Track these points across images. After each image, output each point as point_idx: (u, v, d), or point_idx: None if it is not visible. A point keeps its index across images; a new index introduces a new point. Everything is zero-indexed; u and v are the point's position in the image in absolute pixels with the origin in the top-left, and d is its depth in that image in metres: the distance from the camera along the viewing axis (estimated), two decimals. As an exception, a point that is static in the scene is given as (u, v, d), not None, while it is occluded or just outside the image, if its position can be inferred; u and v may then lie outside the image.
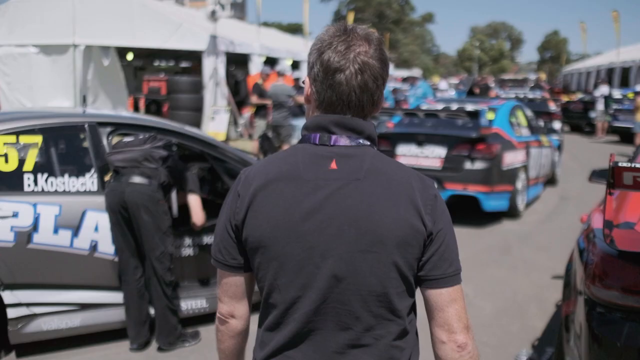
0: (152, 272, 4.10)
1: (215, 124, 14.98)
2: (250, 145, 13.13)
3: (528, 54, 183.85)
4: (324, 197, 1.42)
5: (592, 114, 21.21)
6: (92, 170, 4.20)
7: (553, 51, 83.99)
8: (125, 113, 5.48)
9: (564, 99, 23.61)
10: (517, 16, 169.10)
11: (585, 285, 2.86)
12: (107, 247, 4.16)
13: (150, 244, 4.06)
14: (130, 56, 19.07)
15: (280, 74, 11.96)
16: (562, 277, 6.28)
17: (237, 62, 18.49)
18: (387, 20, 73.33)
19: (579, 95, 25.16)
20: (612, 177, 2.43)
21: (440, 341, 1.48)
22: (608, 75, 30.33)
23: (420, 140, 8.11)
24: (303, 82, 1.62)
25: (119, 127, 4.49)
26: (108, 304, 4.23)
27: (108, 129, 4.38)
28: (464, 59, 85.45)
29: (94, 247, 4.12)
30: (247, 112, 15.63)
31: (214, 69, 14.91)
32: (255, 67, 16.55)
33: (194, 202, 4.42)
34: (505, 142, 8.34)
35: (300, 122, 12.05)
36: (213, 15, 14.72)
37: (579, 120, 22.11)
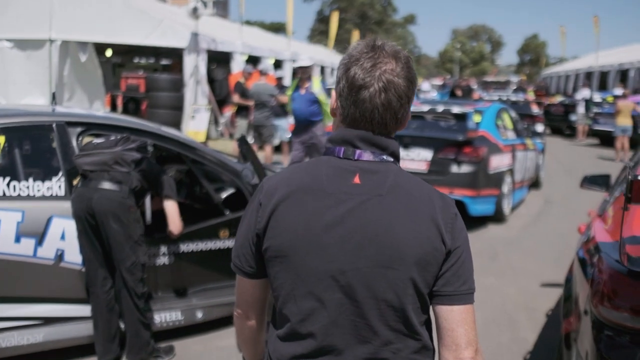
0: (123, 283, 3.80)
1: (196, 122, 14.66)
2: (230, 146, 12.85)
3: (508, 56, 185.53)
4: (346, 210, 1.43)
5: (573, 117, 21.23)
6: (60, 174, 3.90)
7: (532, 54, 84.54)
8: (98, 112, 5.17)
9: (546, 101, 23.64)
10: (497, 19, 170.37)
11: (592, 304, 2.64)
12: (74, 257, 3.86)
13: (120, 254, 3.76)
14: (108, 52, 18.66)
15: (262, 73, 11.71)
16: (551, 284, 6.13)
17: (219, 60, 18.18)
18: (369, 21, 73.24)
19: (558, 98, 25.22)
20: (630, 191, 2.21)
21: None
22: (587, 79, 30.48)
23: (405, 142, 7.88)
24: (330, 92, 1.67)
25: (90, 127, 4.19)
26: (74, 317, 3.92)
27: (78, 129, 4.08)
28: (445, 60, 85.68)
29: (59, 256, 3.82)
30: (228, 111, 15.34)
31: (194, 66, 14.60)
32: (237, 65, 16.27)
33: (171, 208, 4.14)
34: (492, 145, 8.16)
35: (282, 122, 11.79)
36: (195, 13, 14.38)
37: (559, 123, 22.11)
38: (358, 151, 1.48)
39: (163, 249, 4.36)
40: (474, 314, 1.48)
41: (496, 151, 8.18)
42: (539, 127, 13.48)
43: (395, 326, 1.45)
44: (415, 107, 9.21)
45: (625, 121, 15.31)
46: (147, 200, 4.52)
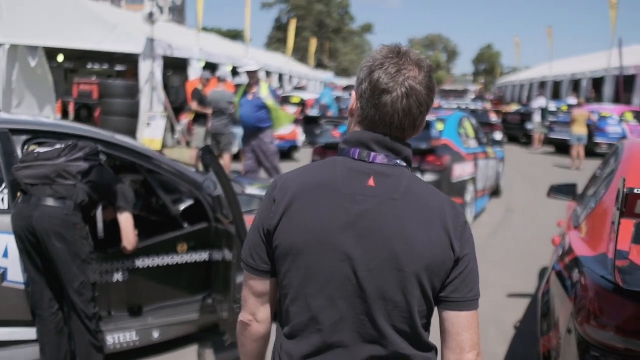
0: (72, 305, 3.50)
1: (151, 130, 14.31)
2: (188, 154, 12.54)
3: (463, 66, 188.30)
4: (360, 212, 1.46)
5: (529, 126, 21.53)
6: (2, 186, 3.59)
7: (487, 64, 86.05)
8: (46, 119, 4.84)
9: (503, 110, 23.96)
10: (453, 29, 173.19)
11: (577, 323, 2.50)
12: (18, 276, 3.54)
13: (67, 274, 3.44)
14: (60, 58, 18.09)
15: (220, 80, 11.42)
16: (518, 295, 6.03)
17: (176, 66, 17.83)
18: (327, 30, 73.39)
19: (515, 107, 25.59)
20: (624, 205, 2.07)
21: None
22: (540, 88, 31.07)
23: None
24: (350, 94, 1.60)
25: (37, 135, 3.88)
26: (20, 341, 3.61)
27: (23, 137, 3.79)
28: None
29: (1, 275, 3.51)
30: (185, 119, 14.99)
31: (150, 73, 14.23)
32: (195, 72, 15.96)
33: (125, 222, 3.85)
34: (455, 153, 8.08)
35: (241, 130, 11.50)
36: (150, 18, 14.03)
37: (516, 131, 22.41)
38: (373, 154, 1.50)
39: (116, 265, 4.09)
40: (478, 319, 1.53)
41: (459, 160, 8.11)
42: (498, 136, 13.54)
43: (401, 327, 1.48)
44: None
45: (580, 130, 15.54)
46: (99, 214, 4.24)
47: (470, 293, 1.51)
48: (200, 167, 4.96)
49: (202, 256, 4.41)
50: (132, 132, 13.44)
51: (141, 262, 4.18)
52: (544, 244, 7.35)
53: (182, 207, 4.65)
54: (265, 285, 1.59)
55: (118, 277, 4.11)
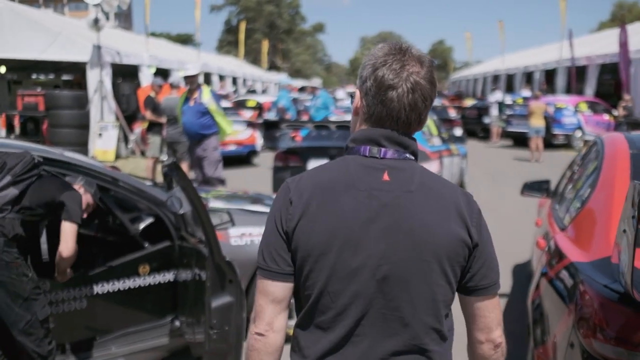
0: (21, 347, 3.13)
1: (103, 141, 13.86)
2: (143, 164, 12.12)
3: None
4: (379, 206, 1.48)
5: (487, 120, 21.67)
6: None
7: (439, 59, 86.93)
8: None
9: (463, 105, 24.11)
10: (404, 26, 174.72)
11: (581, 336, 2.32)
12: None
13: (9, 317, 3.06)
14: (2, 69, 17.36)
15: (173, 86, 11.01)
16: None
17: (125, 74, 17.30)
18: (278, 31, 73.05)
19: (471, 102, 25.77)
20: (640, 206, 1.87)
21: (478, 341, 1.60)
22: (494, 82, 31.42)
23: (332, 154, 7.49)
24: (352, 95, 1.61)
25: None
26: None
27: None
28: (356, 68, 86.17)
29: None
30: (139, 128, 14.54)
31: (99, 81, 13.76)
32: (146, 79, 15.52)
33: (67, 230, 3.31)
34: (420, 153, 7.86)
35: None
36: (96, 24, 13.53)
37: (473, 125, 22.53)
38: (383, 149, 1.52)
39: (72, 292, 3.76)
40: (499, 299, 1.62)
41: (425, 159, 7.94)
42: (458, 131, 13.52)
43: (425, 318, 1.50)
44: (339, 116, 8.91)
45: (538, 122, 15.65)
46: (43, 238, 3.85)
47: (495, 277, 1.58)
48: (157, 180, 4.64)
49: (167, 277, 4.12)
50: (82, 144, 12.97)
51: (100, 288, 3.87)
52: (514, 241, 7.26)
53: (142, 225, 4.34)
54: (286, 289, 1.56)
55: (75, 305, 3.79)
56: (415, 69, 1.51)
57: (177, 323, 4.11)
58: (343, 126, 7.85)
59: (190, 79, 8.37)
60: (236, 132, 14.20)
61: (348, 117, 8.78)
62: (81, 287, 3.78)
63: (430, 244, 1.48)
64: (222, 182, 8.44)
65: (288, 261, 1.54)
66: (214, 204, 4.76)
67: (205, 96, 8.26)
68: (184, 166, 10.25)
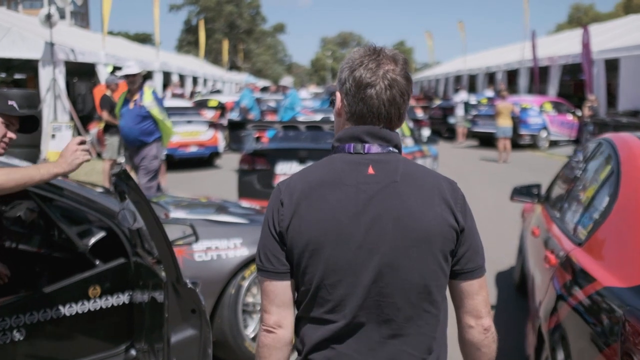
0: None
1: (56, 142, 13.11)
2: (99, 166, 11.48)
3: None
4: (366, 199, 1.54)
5: (452, 120, 21.48)
6: None
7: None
8: None
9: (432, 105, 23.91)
10: (365, 26, 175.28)
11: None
12: None
13: None
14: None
15: (108, 86, 10.37)
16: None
17: (81, 72, 16.59)
18: (238, 31, 72.30)
19: (436, 102, 25.60)
20: None
21: (468, 325, 1.64)
22: (456, 82, 31.39)
23: (302, 156, 7.03)
24: (333, 99, 1.68)
25: None
26: None
27: None
28: (318, 68, 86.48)
29: None
30: (95, 128, 13.85)
31: (52, 79, 13.04)
32: (103, 77, 14.81)
33: None
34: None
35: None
36: (48, 20, 12.80)
37: (439, 125, 22.30)
38: (367, 145, 1.59)
39: (9, 321, 3.22)
40: (486, 282, 1.65)
41: (398, 161, 7.56)
42: (426, 132, 13.20)
43: (418, 303, 1.54)
44: (307, 116, 8.44)
45: (505, 122, 15.45)
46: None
47: (481, 260, 1.62)
48: (112, 187, 4.08)
49: (121, 299, 3.59)
50: (34, 146, 12.24)
51: (42, 315, 3.33)
52: (492, 245, 6.91)
53: (92, 240, 3.80)
54: (285, 286, 1.62)
55: (13, 336, 3.24)
56: (390, 67, 1.57)
57: (133, 352, 3.59)
58: (313, 127, 7.37)
59: (130, 79, 7.47)
60: (198, 133, 13.64)
61: (317, 117, 8.36)
62: (19, 314, 3.24)
63: (417, 230, 1.52)
64: (160, 191, 7.76)
65: (282, 261, 1.60)
66: (175, 213, 4.25)
67: (146, 99, 7.37)
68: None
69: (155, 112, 7.34)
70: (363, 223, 1.52)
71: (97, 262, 3.62)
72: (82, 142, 2.73)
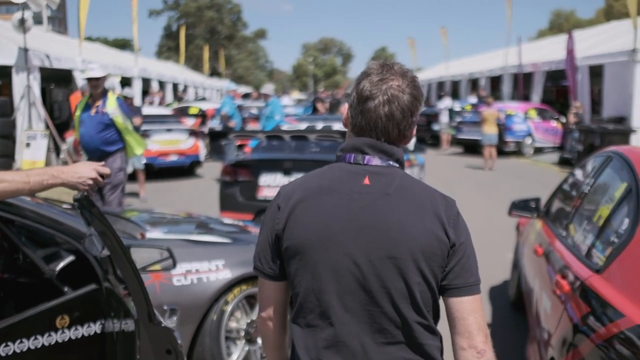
0: None
1: (32, 151, 12.74)
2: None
3: (358, 69, 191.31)
4: (358, 208, 1.57)
5: (436, 126, 21.30)
6: None
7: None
8: None
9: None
10: (346, 32, 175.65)
11: None
12: None
13: None
14: None
15: (82, 92, 10.02)
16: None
17: (58, 79, 16.15)
18: (219, 36, 71.90)
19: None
20: None
21: (461, 348, 1.59)
22: (439, 88, 31.29)
23: (286, 167, 6.73)
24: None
25: None
26: None
27: None
28: (300, 74, 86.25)
29: None
30: (71, 136, 13.44)
31: (26, 86, 12.63)
32: (81, 84, 14.41)
33: None
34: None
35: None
36: (22, 24, 12.38)
37: (422, 132, 22.12)
38: (367, 157, 1.62)
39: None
40: (482, 303, 1.62)
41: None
42: (412, 140, 12.93)
43: (407, 313, 1.55)
44: (291, 125, 8.15)
45: (491, 129, 15.28)
46: None
47: (471, 278, 1.59)
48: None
49: (92, 329, 3.27)
50: (8, 155, 11.88)
51: (3, 349, 3.00)
52: (483, 257, 6.67)
53: (60, 265, 3.47)
54: (274, 289, 1.71)
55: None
56: (395, 83, 1.59)
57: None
58: (296, 136, 7.06)
59: (93, 82, 6.80)
60: (178, 142, 13.31)
61: (302, 126, 8.07)
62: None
63: (405, 243, 1.54)
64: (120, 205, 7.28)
65: (271, 264, 1.67)
66: (152, 233, 3.93)
67: (110, 105, 6.80)
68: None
69: (119, 120, 6.81)
70: (351, 231, 1.56)
71: (66, 289, 3.30)
72: (102, 177, 2.53)
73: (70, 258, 3.45)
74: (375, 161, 1.61)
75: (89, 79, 6.79)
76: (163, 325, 2.69)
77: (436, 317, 1.63)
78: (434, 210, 1.57)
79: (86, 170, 2.52)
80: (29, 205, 3.17)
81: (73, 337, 3.21)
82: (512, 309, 5.40)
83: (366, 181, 1.58)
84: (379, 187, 1.58)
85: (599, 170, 3.41)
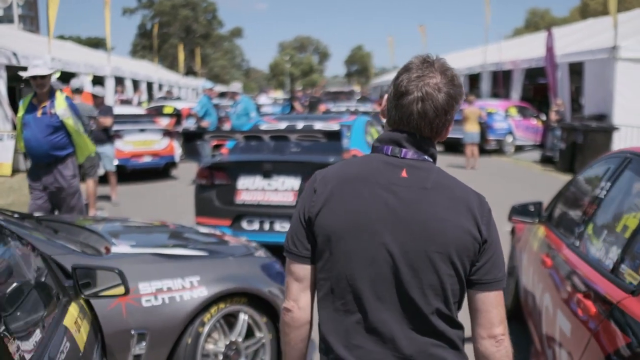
0: None
1: (-2, 153, 12.21)
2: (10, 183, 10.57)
3: (335, 68, 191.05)
4: (396, 200, 1.60)
5: (415, 125, 21.00)
6: None
7: (359, 65, 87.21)
8: None
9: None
10: (322, 31, 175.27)
11: None
12: None
13: None
14: None
15: (76, 91, 9.51)
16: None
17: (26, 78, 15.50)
18: (194, 35, 71.10)
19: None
20: None
21: (480, 337, 1.65)
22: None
23: (266, 169, 6.33)
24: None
25: None
26: None
27: None
28: (276, 73, 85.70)
29: None
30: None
31: (-9, 86, 12.07)
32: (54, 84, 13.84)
33: None
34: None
35: (106, 149, 9.69)
36: (-14, 21, 11.82)
37: (402, 132, 21.85)
38: (404, 150, 1.64)
39: None
40: (503, 296, 1.68)
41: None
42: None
43: (435, 304, 1.59)
44: (271, 124, 7.74)
45: (473, 128, 15.01)
46: None
47: (499, 274, 1.64)
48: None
49: None
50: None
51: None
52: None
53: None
54: (306, 270, 1.71)
55: None
56: (432, 80, 1.60)
57: None
58: (276, 136, 6.66)
59: (38, 81, 5.99)
60: (151, 142, 12.82)
61: (281, 126, 7.67)
62: None
63: (440, 237, 1.57)
64: (81, 212, 6.74)
65: (307, 246, 1.69)
66: (119, 246, 3.50)
67: (59, 106, 6.14)
68: (91, 183, 8.87)
69: (70, 122, 6.17)
70: (389, 221, 1.58)
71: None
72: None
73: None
74: (411, 154, 1.63)
75: (33, 77, 5.96)
76: None
77: (459, 309, 1.67)
78: (469, 207, 1.61)
79: None
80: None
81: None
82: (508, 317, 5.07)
83: (404, 174, 1.61)
84: (417, 180, 1.61)
85: (615, 174, 3.08)
